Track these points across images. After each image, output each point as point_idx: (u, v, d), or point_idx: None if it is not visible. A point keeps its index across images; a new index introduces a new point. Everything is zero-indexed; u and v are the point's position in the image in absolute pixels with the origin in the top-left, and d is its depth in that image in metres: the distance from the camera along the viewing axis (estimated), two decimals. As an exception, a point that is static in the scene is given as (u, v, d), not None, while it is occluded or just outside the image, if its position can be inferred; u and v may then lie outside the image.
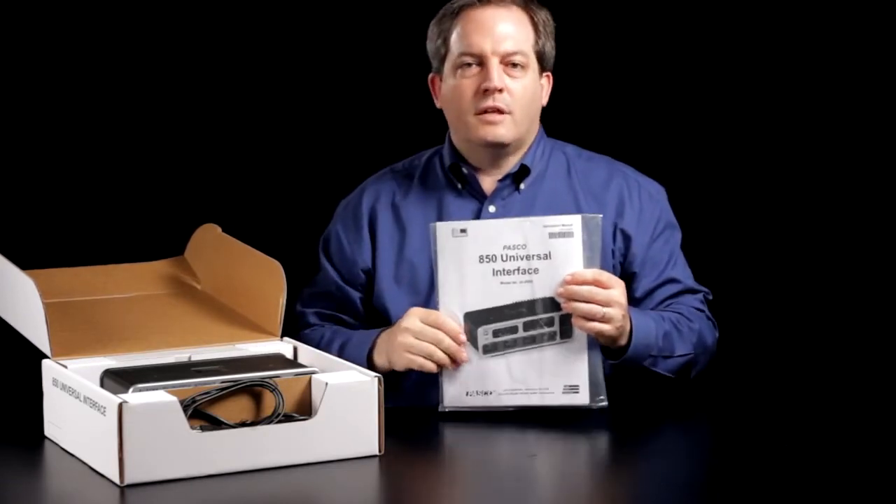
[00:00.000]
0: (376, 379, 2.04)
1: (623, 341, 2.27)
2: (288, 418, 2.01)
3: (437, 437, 2.17)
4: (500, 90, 2.41)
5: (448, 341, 2.23)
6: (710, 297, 2.54)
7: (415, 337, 2.25)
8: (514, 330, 2.20)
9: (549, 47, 2.50)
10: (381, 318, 2.50)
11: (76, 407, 2.01)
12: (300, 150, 3.21)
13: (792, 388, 2.56)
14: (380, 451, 2.03)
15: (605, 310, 2.20)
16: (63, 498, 1.96)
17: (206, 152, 3.19)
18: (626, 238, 2.48)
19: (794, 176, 3.12)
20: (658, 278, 2.48)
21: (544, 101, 2.52)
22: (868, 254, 3.06)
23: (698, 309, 2.48)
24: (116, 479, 1.90)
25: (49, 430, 2.14)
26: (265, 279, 2.27)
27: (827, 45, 3.07)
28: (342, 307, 2.54)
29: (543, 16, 2.49)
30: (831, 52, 3.07)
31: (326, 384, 2.01)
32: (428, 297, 2.45)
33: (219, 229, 2.48)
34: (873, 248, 3.06)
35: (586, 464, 2.05)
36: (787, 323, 3.06)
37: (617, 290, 2.22)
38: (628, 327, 2.27)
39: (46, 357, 2.14)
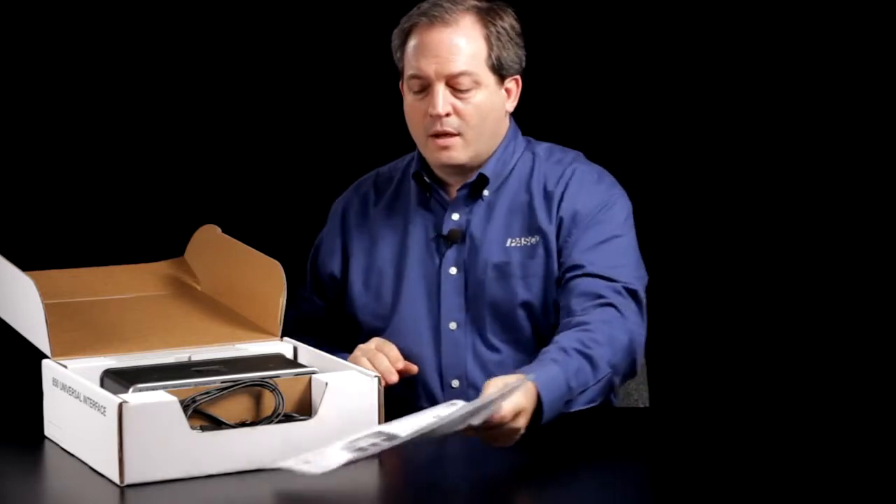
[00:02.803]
0: (376, 379, 2.04)
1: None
2: (288, 418, 2.01)
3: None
4: (447, 114, 2.35)
5: (386, 363, 2.31)
6: (634, 287, 2.33)
7: (369, 345, 2.36)
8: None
9: (512, 53, 2.39)
10: (353, 323, 2.50)
11: (76, 407, 2.01)
12: (299, 150, 3.21)
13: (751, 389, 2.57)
14: (380, 451, 2.03)
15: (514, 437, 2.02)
16: (63, 498, 1.96)
17: (206, 153, 3.19)
18: (564, 222, 2.39)
19: (769, 173, 3.12)
20: (575, 267, 2.35)
21: (511, 106, 2.43)
22: (846, 249, 3.07)
23: (609, 304, 2.29)
24: (116, 479, 1.90)
25: (49, 430, 2.14)
26: (265, 279, 2.27)
27: (794, 31, 3.09)
28: (310, 315, 2.55)
29: (501, 24, 2.38)
30: (800, 35, 3.08)
31: (326, 384, 2.01)
32: (392, 306, 2.45)
33: (219, 230, 2.48)
34: (852, 244, 3.07)
35: (587, 464, 2.05)
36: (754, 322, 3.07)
37: (514, 423, 2.00)
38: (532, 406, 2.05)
39: (46, 357, 2.14)
